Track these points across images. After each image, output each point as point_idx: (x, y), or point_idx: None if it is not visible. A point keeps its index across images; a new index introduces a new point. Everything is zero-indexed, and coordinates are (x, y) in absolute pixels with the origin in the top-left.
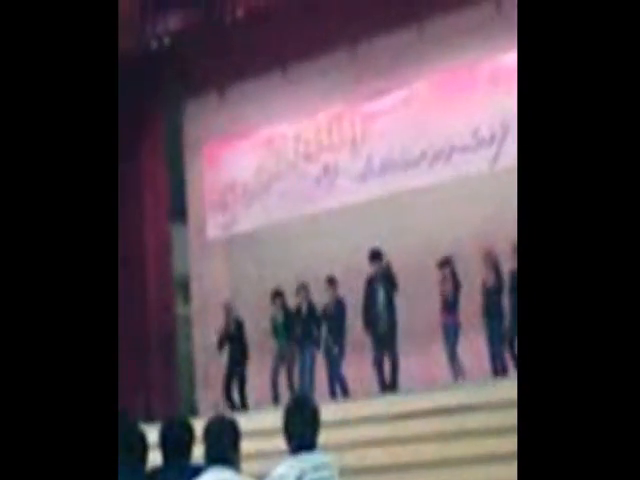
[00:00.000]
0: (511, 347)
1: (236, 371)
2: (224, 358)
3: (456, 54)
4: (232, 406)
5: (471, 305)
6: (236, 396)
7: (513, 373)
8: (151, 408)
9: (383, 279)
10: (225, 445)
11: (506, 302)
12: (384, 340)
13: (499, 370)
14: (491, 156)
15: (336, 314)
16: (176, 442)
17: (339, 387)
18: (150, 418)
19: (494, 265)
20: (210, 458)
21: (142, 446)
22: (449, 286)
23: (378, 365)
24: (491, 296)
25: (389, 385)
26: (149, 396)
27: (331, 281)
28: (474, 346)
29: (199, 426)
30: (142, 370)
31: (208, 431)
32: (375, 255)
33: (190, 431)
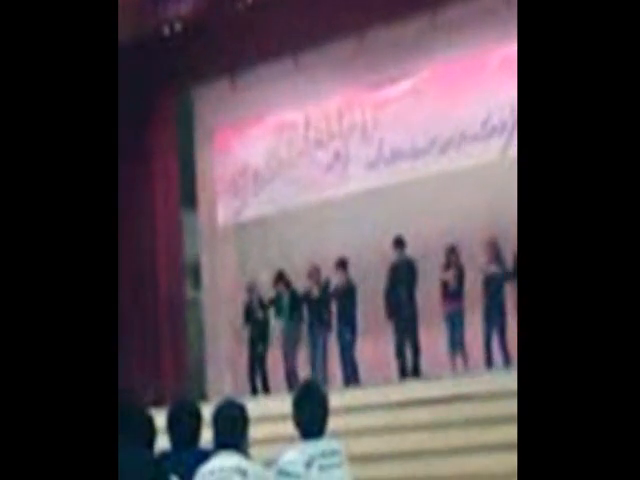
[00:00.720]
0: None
1: (258, 354)
2: (232, 342)
3: (466, 42)
4: (254, 389)
5: (473, 294)
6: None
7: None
8: (161, 392)
9: (405, 266)
10: (234, 430)
11: (507, 291)
12: (405, 327)
13: (492, 359)
14: (502, 144)
15: (347, 296)
16: (184, 426)
17: (350, 373)
18: (160, 402)
19: (496, 254)
20: (219, 442)
21: (150, 430)
22: (453, 274)
23: (399, 352)
24: (491, 285)
25: (411, 371)
26: (159, 380)
27: (342, 263)
28: (476, 335)
29: (208, 411)
30: (152, 354)
31: (217, 415)
32: (398, 242)
33: (198, 416)
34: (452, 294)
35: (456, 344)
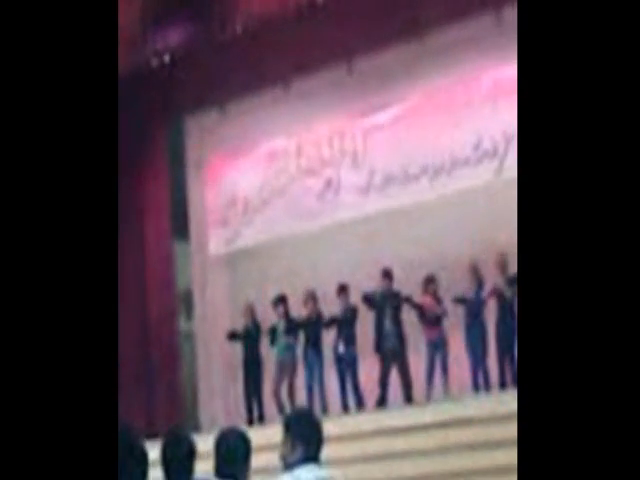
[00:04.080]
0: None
1: (253, 382)
2: (225, 373)
3: (456, 67)
4: (250, 419)
5: (455, 320)
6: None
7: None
8: (154, 424)
9: (391, 297)
10: (235, 459)
11: (488, 316)
12: (392, 356)
13: (480, 384)
14: (494, 168)
15: (349, 321)
16: (178, 458)
17: (354, 398)
18: (153, 434)
19: (478, 278)
20: (220, 472)
21: (143, 462)
22: (433, 302)
23: (383, 380)
24: (473, 310)
25: (407, 398)
26: (152, 412)
27: (343, 288)
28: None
29: (201, 441)
30: (145, 386)
31: (219, 444)
32: (386, 274)
33: (192, 447)
34: (431, 322)
35: (433, 371)
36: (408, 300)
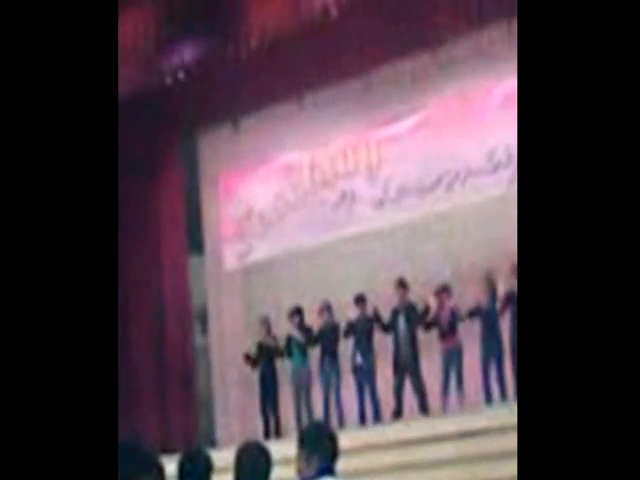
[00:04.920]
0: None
1: (269, 396)
2: (241, 388)
3: (470, 78)
4: (267, 432)
5: (470, 330)
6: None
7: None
8: (170, 439)
9: (405, 308)
10: (257, 473)
11: (502, 326)
12: (405, 367)
13: (494, 394)
14: (508, 178)
15: (366, 333)
16: (194, 473)
17: (372, 409)
18: (169, 450)
19: (491, 288)
20: None
21: (160, 478)
22: (447, 312)
23: (397, 392)
24: (487, 320)
25: (422, 409)
26: (168, 428)
27: (360, 299)
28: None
29: (217, 457)
30: (161, 401)
31: (240, 458)
32: (401, 284)
33: (208, 462)
34: (446, 332)
35: (449, 382)
36: (423, 312)
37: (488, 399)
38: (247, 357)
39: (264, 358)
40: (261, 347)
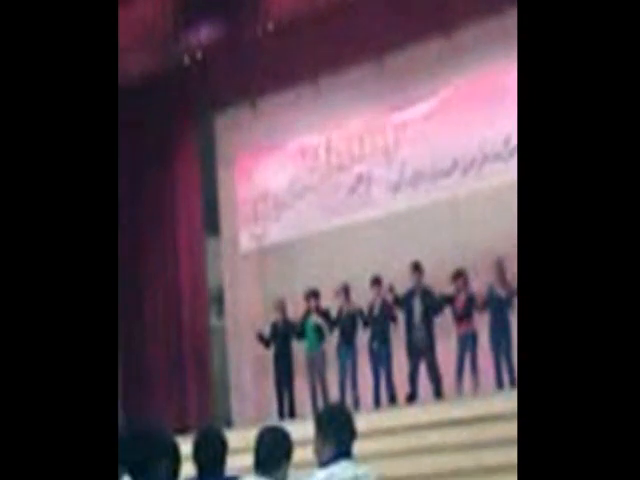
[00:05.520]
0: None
1: (284, 377)
2: (256, 370)
3: (485, 62)
4: (281, 413)
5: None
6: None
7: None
8: (185, 419)
9: (421, 292)
10: (277, 457)
11: (512, 312)
12: (419, 352)
13: (504, 381)
14: None
15: (383, 315)
16: (210, 454)
17: (387, 393)
18: (185, 430)
19: (502, 275)
20: (260, 469)
21: (176, 457)
22: (463, 297)
23: (412, 376)
24: (497, 307)
25: (436, 393)
26: (184, 408)
27: (376, 281)
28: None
29: (233, 437)
30: (177, 382)
31: (260, 441)
32: (416, 267)
33: (224, 442)
34: (461, 316)
35: (463, 367)
36: (441, 296)
37: (499, 385)
38: (260, 337)
39: (278, 339)
40: (275, 328)
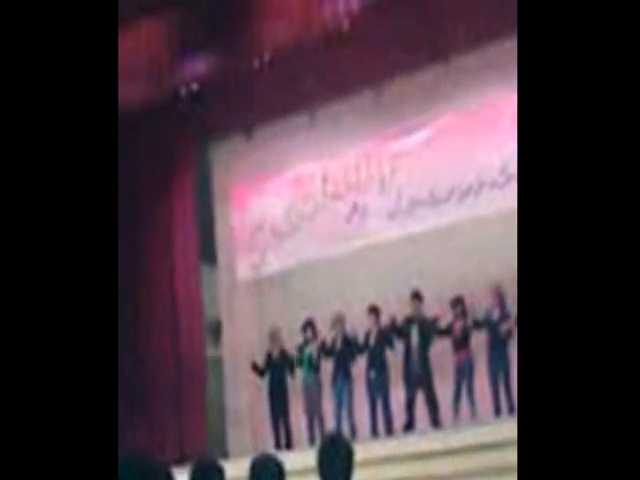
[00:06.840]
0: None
1: (279, 407)
2: (252, 400)
3: (482, 90)
4: (277, 444)
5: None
6: (282, 433)
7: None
8: (183, 450)
9: (419, 320)
10: None
11: (511, 340)
12: (417, 380)
13: (502, 409)
14: None
15: (379, 343)
16: None
17: (384, 423)
18: (182, 461)
19: (500, 301)
20: None
21: None
22: (460, 325)
23: (409, 405)
24: (496, 333)
25: (434, 423)
26: (181, 439)
27: (374, 310)
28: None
29: (229, 467)
30: (173, 412)
31: (254, 470)
32: (415, 296)
33: (221, 473)
34: (459, 344)
35: (460, 395)
36: (438, 327)
37: (497, 412)
38: (254, 367)
39: (272, 369)
40: (270, 358)
